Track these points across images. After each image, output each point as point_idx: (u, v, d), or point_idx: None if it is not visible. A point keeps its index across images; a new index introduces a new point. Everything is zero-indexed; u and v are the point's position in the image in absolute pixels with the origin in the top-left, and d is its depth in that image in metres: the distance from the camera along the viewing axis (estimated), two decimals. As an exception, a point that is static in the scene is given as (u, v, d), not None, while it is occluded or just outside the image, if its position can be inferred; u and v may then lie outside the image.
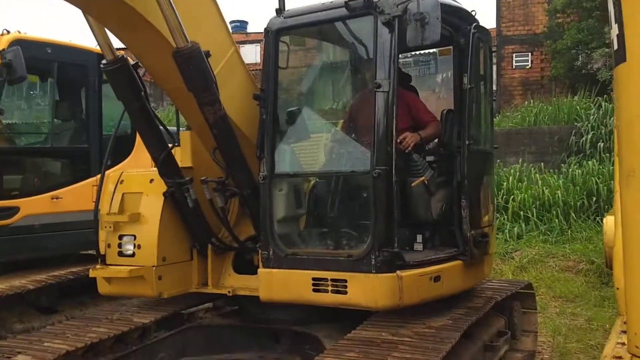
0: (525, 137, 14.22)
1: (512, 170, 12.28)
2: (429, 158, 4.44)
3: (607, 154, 12.17)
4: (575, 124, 13.51)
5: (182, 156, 4.49)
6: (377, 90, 3.53)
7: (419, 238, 4.05)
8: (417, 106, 4.32)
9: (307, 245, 3.91)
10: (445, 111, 4.24)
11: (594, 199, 10.99)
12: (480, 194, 4.22)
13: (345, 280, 3.54)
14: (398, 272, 3.51)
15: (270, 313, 4.30)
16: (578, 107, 14.29)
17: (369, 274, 3.48)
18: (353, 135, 4.16)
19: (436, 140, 4.56)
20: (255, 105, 4.03)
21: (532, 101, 16.15)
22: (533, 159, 13.30)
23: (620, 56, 2.11)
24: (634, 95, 2.08)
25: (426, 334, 3.56)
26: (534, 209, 11.10)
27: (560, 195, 11.15)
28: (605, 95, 14.08)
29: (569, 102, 14.84)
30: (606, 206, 10.75)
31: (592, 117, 13.13)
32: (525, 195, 11.27)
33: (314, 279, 3.65)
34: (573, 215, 10.83)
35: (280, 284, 3.78)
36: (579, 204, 11.00)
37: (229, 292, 4.28)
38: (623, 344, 1.85)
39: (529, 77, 20.77)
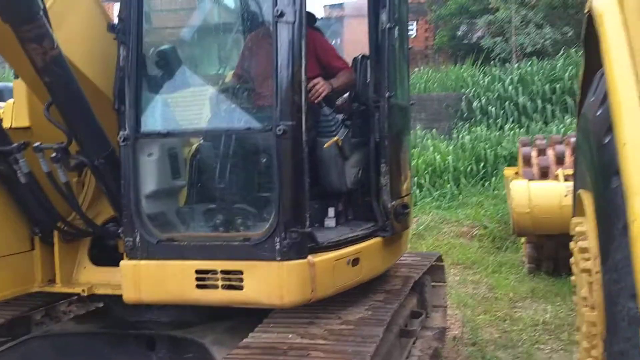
0: (415, 104, 14.14)
1: (404, 137, 12.09)
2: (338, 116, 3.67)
3: (498, 120, 12.36)
4: (463, 90, 13.64)
5: (15, 112, 3.35)
6: (280, 20, 2.66)
7: (331, 212, 3.30)
8: (327, 50, 3.50)
9: (188, 228, 2.97)
10: (360, 57, 3.48)
11: (482, 164, 11.12)
12: (400, 157, 3.54)
13: (241, 272, 2.69)
14: (310, 257, 2.72)
15: (142, 314, 3.35)
16: (465, 75, 14.47)
17: (272, 262, 2.65)
18: (248, 84, 3.26)
19: (346, 95, 3.80)
20: (110, 46, 2.98)
21: (421, 68, 16.15)
22: (424, 125, 13.24)
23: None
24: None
25: (343, 333, 2.84)
26: (427, 175, 11.02)
27: (451, 161, 11.17)
28: (492, 62, 14.34)
29: (457, 70, 15.01)
30: (495, 171, 10.92)
31: (481, 82, 13.29)
32: (418, 161, 11.13)
33: (198, 271, 2.76)
34: (463, 180, 10.89)
35: (152, 280, 2.84)
36: (468, 169, 11.08)
37: (83, 291, 3.25)
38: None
39: (414, 47, 20.89)
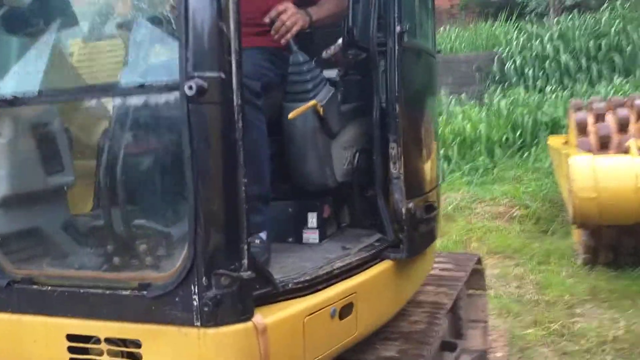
0: (440, 66, 12.69)
1: (429, 104, 10.76)
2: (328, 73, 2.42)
3: (537, 82, 10.92)
4: (495, 50, 12.16)
5: None
6: None
7: (312, 219, 2.09)
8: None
9: (57, 262, 1.79)
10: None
11: (519, 132, 9.79)
12: (421, 131, 2.29)
13: (138, 343, 1.52)
14: (257, 316, 1.52)
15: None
16: (497, 32, 12.96)
17: (187, 327, 1.48)
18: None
19: (339, 41, 2.55)
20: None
21: (447, 27, 14.56)
22: (451, 90, 11.83)
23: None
24: None
25: None
26: (455, 147, 9.75)
27: (483, 130, 9.87)
28: (527, 17, 12.79)
29: (488, 28, 13.46)
30: (535, 140, 9.59)
31: (514, 41, 11.77)
32: (445, 131, 9.82)
33: (70, 337, 1.60)
34: (498, 151, 9.63)
35: (1, 344, 1.70)
36: (503, 139, 9.78)
37: None
38: None
39: (438, 6, 19.22)
